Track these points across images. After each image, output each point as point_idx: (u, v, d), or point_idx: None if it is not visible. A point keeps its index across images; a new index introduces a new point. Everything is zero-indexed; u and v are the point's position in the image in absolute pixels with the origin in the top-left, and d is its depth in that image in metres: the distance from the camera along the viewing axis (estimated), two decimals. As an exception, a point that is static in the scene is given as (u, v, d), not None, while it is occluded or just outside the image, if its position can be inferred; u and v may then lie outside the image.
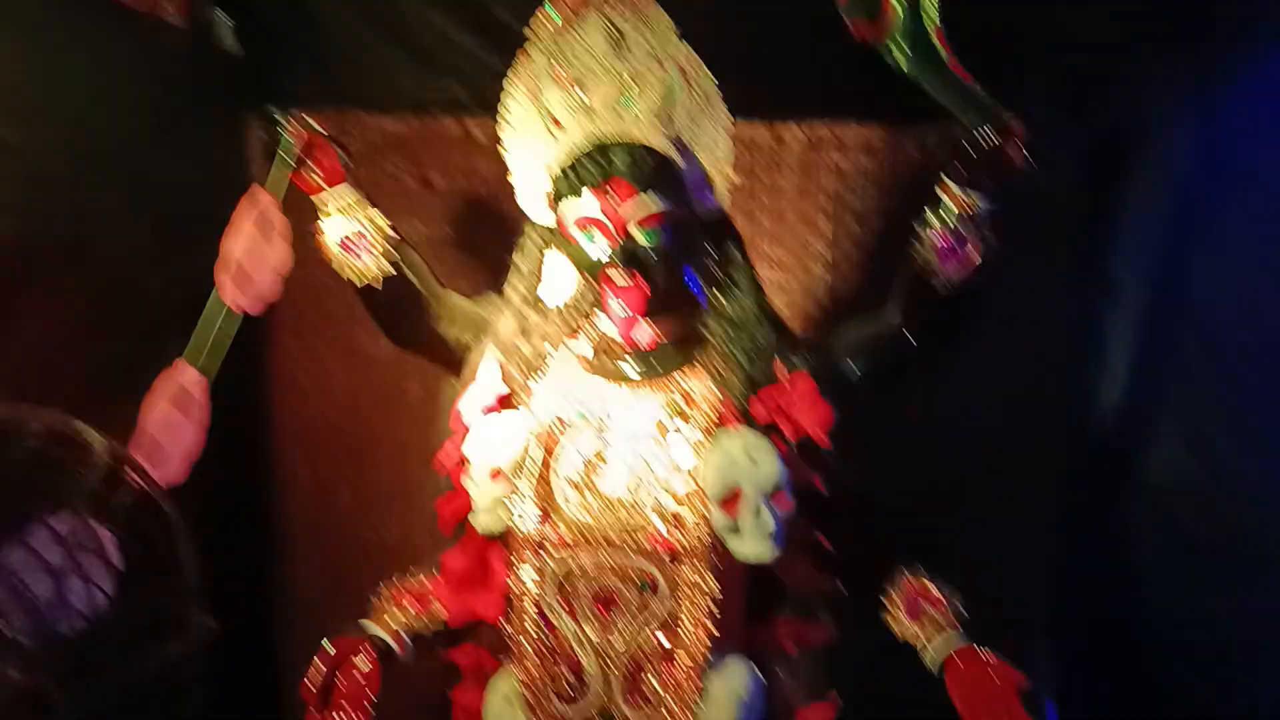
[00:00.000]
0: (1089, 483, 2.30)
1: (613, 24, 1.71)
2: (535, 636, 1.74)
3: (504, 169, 1.91)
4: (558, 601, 1.72)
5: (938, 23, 1.64)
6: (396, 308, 1.92)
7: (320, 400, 2.61)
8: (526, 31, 1.77)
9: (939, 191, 1.73)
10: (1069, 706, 2.28)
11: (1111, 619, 2.20)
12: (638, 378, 1.81)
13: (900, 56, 1.66)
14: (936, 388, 2.29)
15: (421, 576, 1.92)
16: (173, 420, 1.75)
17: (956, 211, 1.70)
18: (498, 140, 1.89)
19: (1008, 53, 2.03)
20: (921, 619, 1.74)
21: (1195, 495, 1.98)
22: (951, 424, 2.35)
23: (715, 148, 1.79)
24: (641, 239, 1.70)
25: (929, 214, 1.73)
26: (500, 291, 1.93)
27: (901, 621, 1.75)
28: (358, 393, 2.60)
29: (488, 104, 2.16)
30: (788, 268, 2.44)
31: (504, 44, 2.04)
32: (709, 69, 1.79)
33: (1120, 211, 2.26)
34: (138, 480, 1.57)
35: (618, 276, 1.70)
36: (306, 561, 2.64)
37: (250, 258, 1.79)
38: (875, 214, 2.39)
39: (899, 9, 1.64)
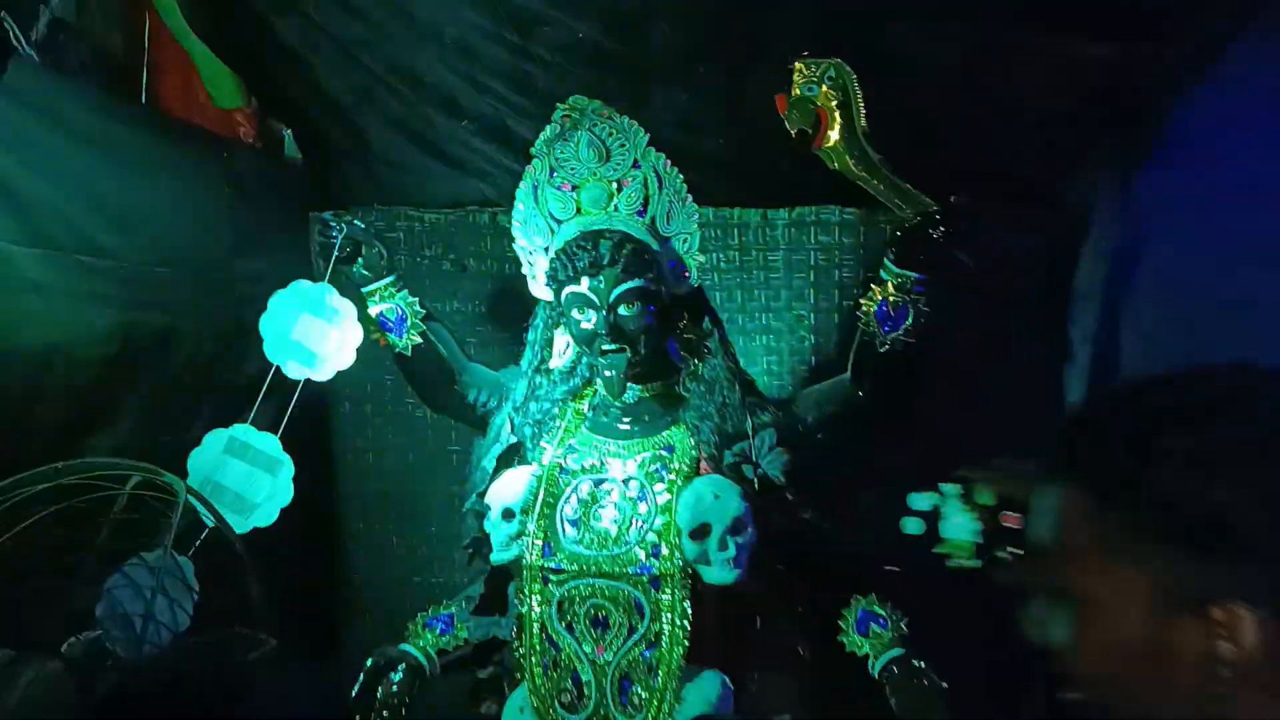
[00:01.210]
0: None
1: (599, 138, 2.05)
2: (541, 653, 2.04)
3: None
4: (559, 623, 2.03)
5: (865, 128, 1.95)
6: (428, 374, 2.27)
7: (374, 461, 2.96)
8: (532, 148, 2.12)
9: (881, 270, 2.03)
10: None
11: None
12: (628, 431, 2.12)
13: (835, 158, 1.97)
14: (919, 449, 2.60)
15: (449, 603, 2.24)
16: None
17: (894, 284, 2.00)
18: (513, 235, 2.24)
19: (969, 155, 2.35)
20: (869, 636, 2.00)
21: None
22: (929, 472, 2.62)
23: (687, 235, 2.11)
24: (625, 313, 2.01)
25: (872, 286, 2.04)
26: (518, 363, 2.27)
27: (853, 637, 2.02)
28: (405, 453, 2.94)
29: (510, 198, 2.53)
30: (778, 333, 2.75)
31: (521, 150, 2.41)
32: (704, 169, 2.12)
33: (1073, 285, 2.52)
34: (213, 523, 1.91)
35: (607, 345, 2.02)
36: (362, 603, 2.96)
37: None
38: (853, 285, 2.69)
39: (834, 118, 1.95)
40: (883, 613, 2.03)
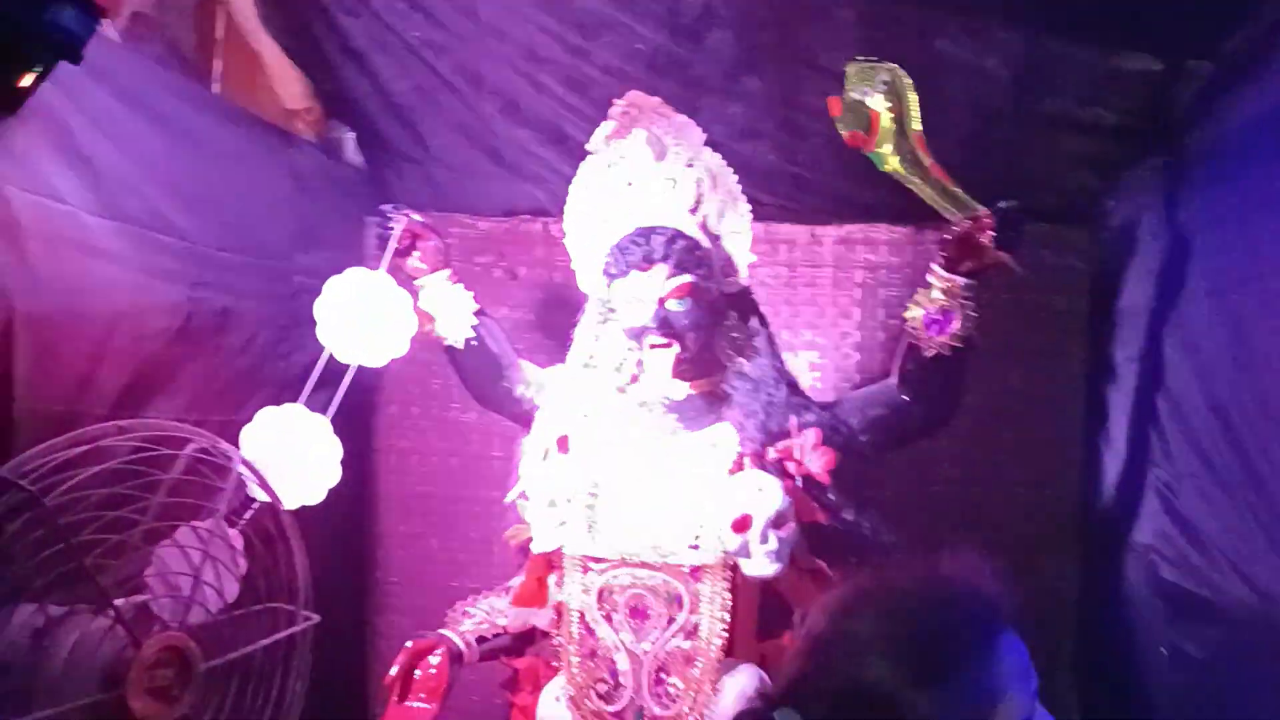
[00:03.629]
0: (1094, 542, 2.53)
1: (655, 136, 2.10)
2: (579, 642, 2.05)
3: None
4: (599, 612, 2.04)
5: (919, 131, 1.99)
6: (477, 369, 2.30)
7: (417, 463, 2.99)
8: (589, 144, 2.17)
9: (928, 275, 2.05)
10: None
11: (1114, 656, 2.41)
12: (673, 426, 2.14)
13: (888, 161, 2.00)
14: (964, 461, 2.62)
15: (488, 594, 2.26)
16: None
17: (941, 289, 2.02)
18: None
19: (1014, 168, 2.38)
20: None
21: (1170, 550, 2.20)
22: (971, 490, 2.63)
23: (737, 235, 2.15)
24: (675, 308, 2.05)
25: (920, 292, 2.06)
26: (566, 362, 2.30)
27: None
28: (449, 457, 2.98)
29: (564, 208, 2.57)
30: (823, 349, 2.77)
31: (576, 156, 2.47)
32: (754, 181, 2.16)
33: (1117, 303, 2.53)
34: (264, 495, 1.95)
35: (656, 339, 2.05)
36: (398, 603, 2.98)
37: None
38: (899, 302, 2.70)
39: (885, 121, 1.99)
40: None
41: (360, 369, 2.19)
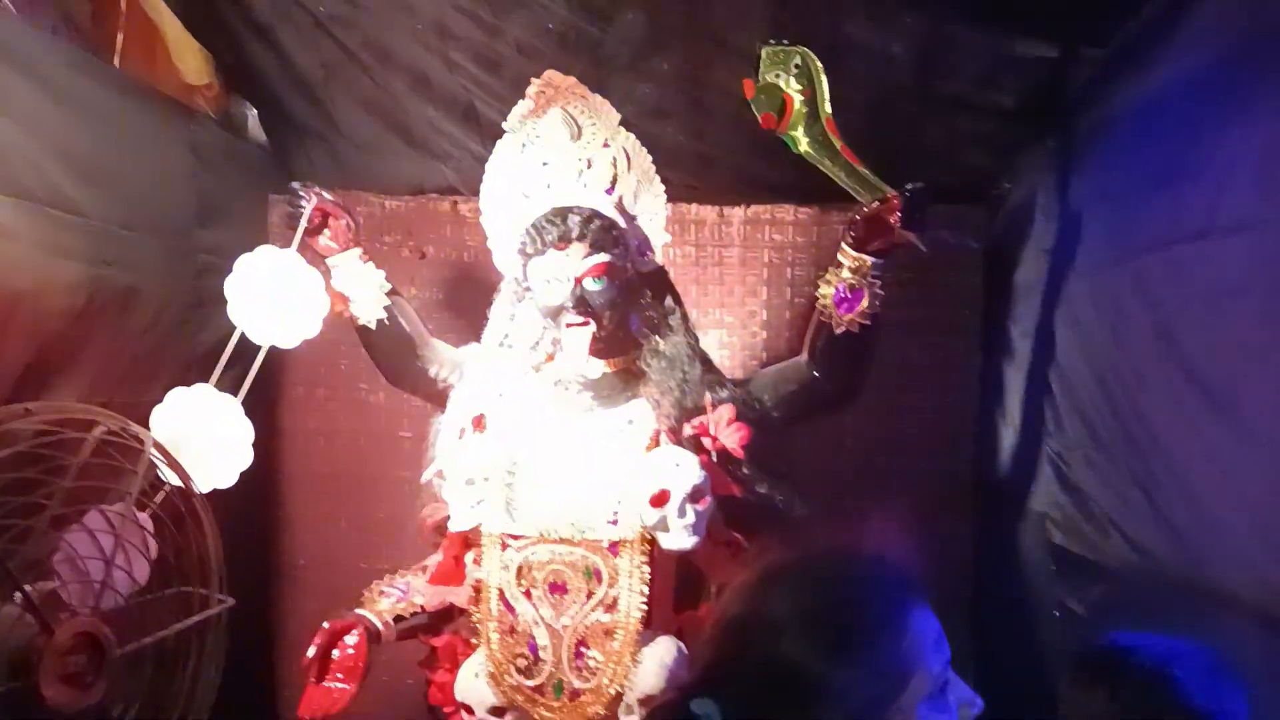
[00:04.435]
0: (990, 510, 2.65)
1: (571, 116, 2.11)
2: (498, 619, 2.07)
3: (486, 241, 2.29)
4: (517, 589, 2.06)
5: (830, 114, 2.04)
6: (390, 349, 2.28)
7: (325, 443, 2.96)
8: (504, 123, 2.17)
9: (838, 254, 2.11)
10: (983, 679, 2.61)
11: (1008, 615, 2.54)
12: (589, 404, 2.16)
13: (800, 143, 2.05)
14: (865, 433, 2.70)
15: (405, 573, 2.25)
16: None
17: (850, 268, 2.08)
18: (480, 213, 2.28)
19: (914, 148, 2.46)
20: None
21: (1060, 515, 2.32)
22: (875, 460, 2.73)
23: (652, 215, 2.18)
24: (591, 287, 2.07)
25: (830, 271, 2.11)
26: (480, 341, 2.30)
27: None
28: (357, 437, 2.95)
29: (474, 186, 2.55)
30: (731, 328, 2.83)
31: (488, 134, 2.46)
32: (663, 160, 2.18)
33: (1012, 280, 2.64)
34: (176, 478, 1.91)
35: (572, 318, 2.07)
36: (307, 584, 2.95)
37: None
38: (805, 281, 2.78)
39: (798, 104, 2.04)
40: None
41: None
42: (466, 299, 2.80)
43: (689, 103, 2.56)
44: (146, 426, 1.95)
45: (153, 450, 1.87)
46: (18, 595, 1.60)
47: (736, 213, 2.82)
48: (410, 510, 2.63)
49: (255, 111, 2.78)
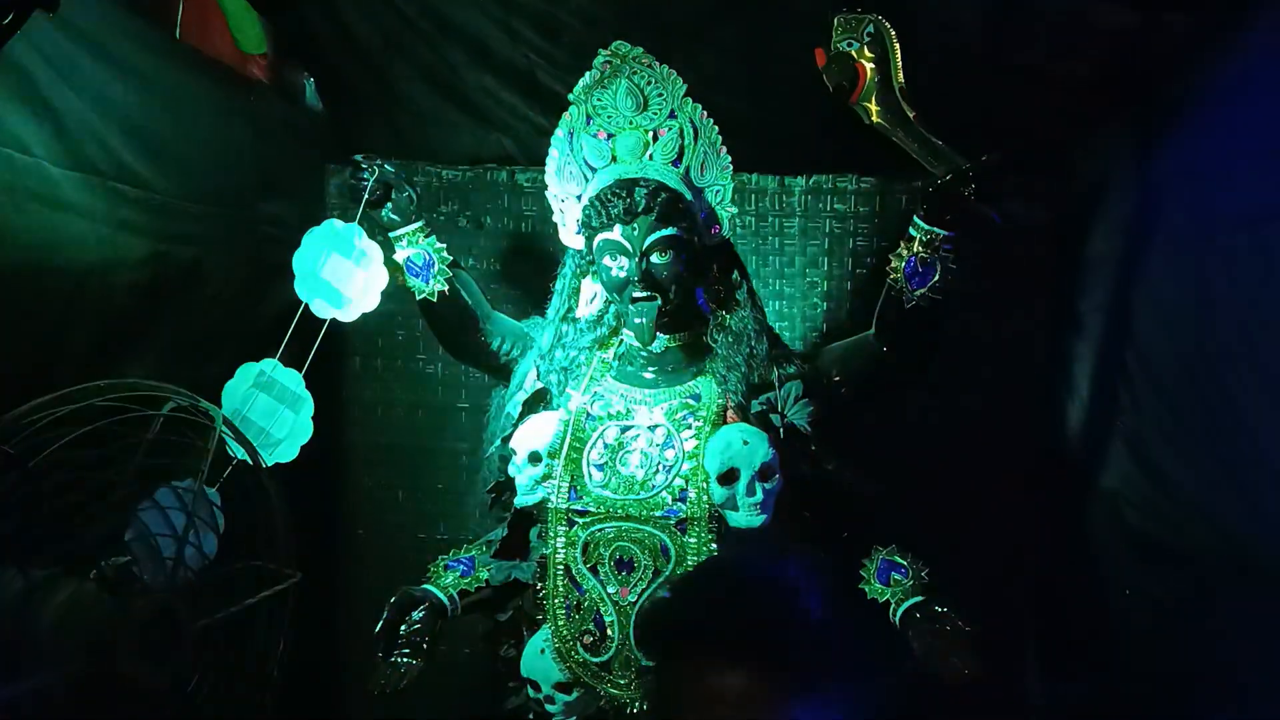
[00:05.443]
0: (1060, 487, 2.60)
1: (637, 87, 2.07)
2: (564, 595, 2.06)
3: (544, 212, 2.26)
4: (584, 565, 2.05)
5: (903, 84, 1.98)
6: (452, 322, 2.27)
7: (382, 414, 2.96)
8: (565, 93, 2.13)
9: (910, 227, 2.06)
10: (1049, 669, 2.60)
11: (1078, 600, 2.49)
12: (655, 379, 2.14)
13: (872, 114, 2.00)
14: (931, 410, 2.65)
15: (469, 547, 2.25)
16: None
17: (923, 241, 2.03)
18: (541, 188, 2.25)
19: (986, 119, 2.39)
20: (890, 584, 2.04)
21: (1136, 496, 2.27)
22: (944, 440, 2.68)
23: (719, 187, 2.14)
24: (658, 261, 2.04)
25: (901, 244, 2.06)
26: (542, 313, 2.28)
27: (874, 585, 2.05)
28: (415, 409, 2.95)
29: (532, 157, 2.52)
30: (791, 299, 2.78)
31: (547, 105, 2.43)
32: (728, 129, 2.14)
33: (1083, 254, 2.57)
34: (243, 452, 1.91)
35: (638, 292, 2.04)
36: (365, 555, 2.96)
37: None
38: (867, 252, 2.73)
39: (870, 73, 1.99)
40: (904, 562, 2.06)
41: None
42: (524, 269, 2.79)
43: (751, 71, 2.50)
44: (213, 400, 1.95)
45: (222, 426, 1.87)
46: (94, 573, 1.61)
47: (798, 182, 2.76)
48: (467, 482, 2.64)
49: (312, 81, 2.75)
